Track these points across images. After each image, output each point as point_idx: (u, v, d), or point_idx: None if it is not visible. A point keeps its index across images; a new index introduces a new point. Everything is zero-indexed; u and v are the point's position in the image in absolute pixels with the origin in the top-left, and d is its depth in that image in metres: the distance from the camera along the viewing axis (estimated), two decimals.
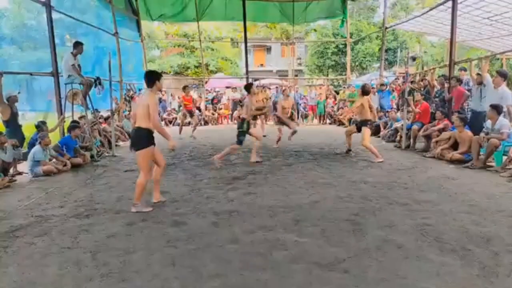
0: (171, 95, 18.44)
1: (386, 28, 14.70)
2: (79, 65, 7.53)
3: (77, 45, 7.47)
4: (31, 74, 8.14)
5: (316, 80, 24.08)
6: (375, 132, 10.62)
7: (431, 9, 10.84)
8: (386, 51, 19.13)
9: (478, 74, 7.46)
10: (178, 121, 15.74)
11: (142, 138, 4.10)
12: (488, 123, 6.31)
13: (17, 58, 8.94)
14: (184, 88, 11.33)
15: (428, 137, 7.83)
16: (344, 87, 17.72)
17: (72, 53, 7.38)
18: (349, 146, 7.72)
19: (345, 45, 18.87)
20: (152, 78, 4.14)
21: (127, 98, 13.79)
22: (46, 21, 8.05)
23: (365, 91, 7.13)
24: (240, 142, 6.52)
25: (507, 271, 2.67)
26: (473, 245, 3.10)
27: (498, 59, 15.19)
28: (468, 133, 6.52)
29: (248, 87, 6.90)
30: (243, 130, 6.49)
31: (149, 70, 4.49)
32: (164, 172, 4.71)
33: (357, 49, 24.54)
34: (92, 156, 7.49)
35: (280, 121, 9.00)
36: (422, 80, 10.76)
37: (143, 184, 4.13)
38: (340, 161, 7.07)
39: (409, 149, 8.18)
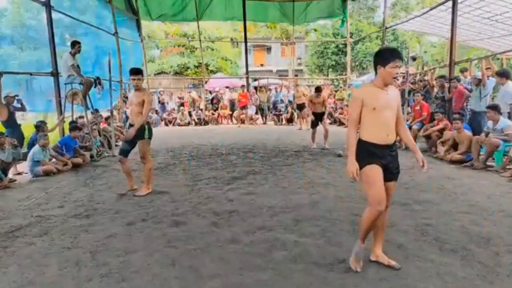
0: (171, 94, 18.43)
1: (386, 28, 14.70)
2: (78, 65, 7.51)
3: (74, 44, 7.44)
4: (30, 74, 8.14)
5: (316, 80, 24.07)
6: None
7: (431, 9, 10.85)
8: None
9: (474, 78, 7.51)
10: (178, 121, 15.78)
11: None
12: (489, 123, 6.32)
13: (17, 58, 8.94)
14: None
15: (428, 137, 7.82)
16: (341, 87, 17.72)
17: (70, 53, 7.37)
18: None
19: (345, 45, 18.88)
20: (374, 61, 2.69)
21: (123, 99, 13.76)
22: (46, 21, 8.05)
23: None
24: None
25: (507, 271, 2.66)
26: (473, 245, 3.10)
27: (498, 59, 15.20)
28: (467, 133, 6.53)
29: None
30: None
31: (377, 50, 2.86)
32: None
33: (357, 49, 24.53)
34: (92, 156, 7.48)
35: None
36: (421, 81, 10.76)
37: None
38: (340, 161, 7.06)
39: (409, 149, 8.16)
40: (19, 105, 7.41)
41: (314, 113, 8.45)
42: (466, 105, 8.01)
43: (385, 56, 2.61)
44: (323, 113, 8.38)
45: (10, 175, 6.08)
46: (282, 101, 16.24)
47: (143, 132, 4.78)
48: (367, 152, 2.67)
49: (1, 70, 6.61)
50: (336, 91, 17.49)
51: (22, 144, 6.87)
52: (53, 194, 5.04)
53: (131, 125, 4.91)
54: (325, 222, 3.75)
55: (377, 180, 2.63)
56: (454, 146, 6.79)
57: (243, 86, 16.38)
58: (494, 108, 6.18)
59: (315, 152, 8.07)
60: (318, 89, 8.53)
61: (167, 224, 3.77)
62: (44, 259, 3.02)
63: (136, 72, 4.79)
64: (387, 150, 2.71)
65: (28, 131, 7.53)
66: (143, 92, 4.82)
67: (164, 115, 16.15)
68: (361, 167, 2.67)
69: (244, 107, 15.39)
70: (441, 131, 7.43)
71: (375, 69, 2.69)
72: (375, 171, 2.64)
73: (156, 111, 16.13)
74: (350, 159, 2.68)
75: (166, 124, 15.81)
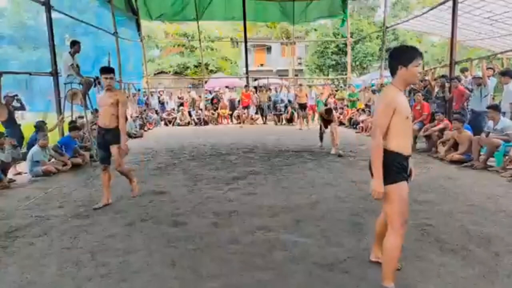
0: (171, 94, 18.43)
1: (387, 27, 14.69)
2: (77, 65, 7.50)
3: (74, 44, 7.43)
4: (30, 74, 8.13)
5: (316, 79, 24.07)
6: None
7: (431, 9, 10.83)
8: (386, 50, 19.11)
9: (474, 77, 7.54)
10: (178, 121, 15.77)
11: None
12: (490, 123, 6.32)
13: (17, 58, 8.94)
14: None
15: (428, 138, 7.82)
16: (341, 87, 17.70)
17: (70, 52, 7.36)
18: None
19: (346, 44, 18.86)
20: (392, 61, 2.38)
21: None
22: (46, 21, 8.04)
23: None
24: None
25: (507, 271, 2.66)
26: (474, 245, 3.10)
27: (499, 59, 15.21)
28: (468, 133, 6.52)
29: None
30: None
31: (393, 48, 2.48)
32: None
33: (358, 49, 24.52)
34: (91, 156, 7.47)
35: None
36: (422, 81, 10.75)
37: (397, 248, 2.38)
38: (340, 161, 7.06)
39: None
40: (18, 105, 7.41)
41: (322, 119, 8.42)
42: (467, 105, 8.01)
43: (407, 55, 2.31)
44: (331, 120, 8.33)
45: (10, 175, 6.08)
46: (282, 101, 16.24)
47: (117, 137, 4.39)
48: (397, 166, 2.33)
49: (1, 70, 6.61)
50: (336, 91, 17.48)
51: (21, 144, 6.86)
52: (53, 194, 5.04)
53: (102, 128, 4.45)
54: (325, 222, 3.74)
55: (407, 200, 2.35)
56: (455, 146, 6.78)
57: (246, 86, 16.37)
58: (495, 108, 6.19)
59: (315, 152, 8.06)
60: (329, 111, 8.41)
61: (167, 224, 3.76)
62: (44, 259, 3.02)
63: (108, 70, 4.44)
64: (407, 161, 2.44)
65: (28, 131, 7.53)
66: (115, 92, 4.41)
67: (164, 115, 16.15)
68: (388, 183, 2.32)
69: (246, 107, 15.49)
70: (442, 131, 7.42)
71: (393, 71, 2.37)
72: (405, 190, 2.35)
73: (156, 111, 16.14)
74: (377, 176, 2.32)
75: (166, 124, 15.80)
